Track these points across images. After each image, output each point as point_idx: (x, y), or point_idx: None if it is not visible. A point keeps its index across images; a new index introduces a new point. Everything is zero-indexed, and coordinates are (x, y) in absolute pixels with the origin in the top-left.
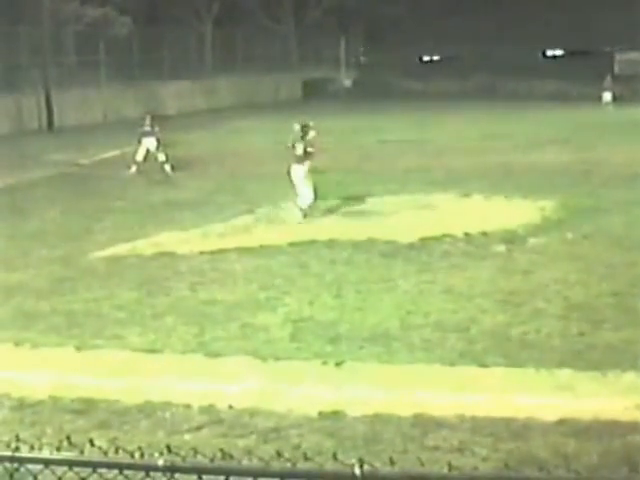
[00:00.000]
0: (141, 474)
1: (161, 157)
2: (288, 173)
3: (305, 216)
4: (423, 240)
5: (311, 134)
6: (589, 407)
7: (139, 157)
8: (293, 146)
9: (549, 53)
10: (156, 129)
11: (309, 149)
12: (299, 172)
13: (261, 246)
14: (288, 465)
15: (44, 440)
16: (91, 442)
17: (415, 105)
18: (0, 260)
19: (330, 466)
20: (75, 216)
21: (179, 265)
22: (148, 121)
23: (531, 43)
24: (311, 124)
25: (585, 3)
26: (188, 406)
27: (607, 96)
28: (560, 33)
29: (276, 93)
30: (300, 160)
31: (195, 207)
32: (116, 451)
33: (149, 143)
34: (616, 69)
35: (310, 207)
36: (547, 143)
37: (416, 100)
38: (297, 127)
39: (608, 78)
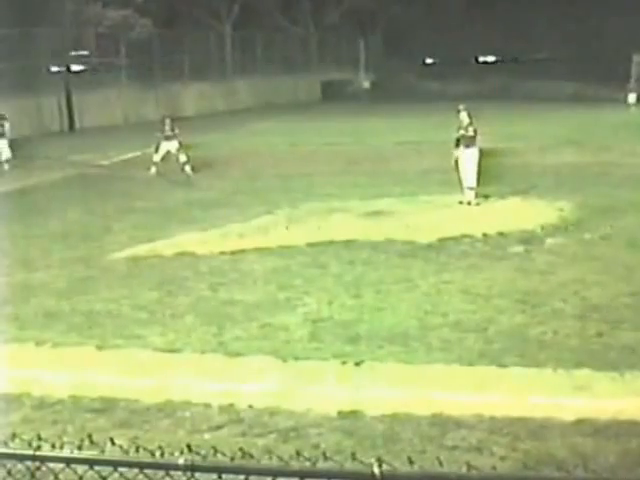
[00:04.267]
0: (161, 473)
1: (182, 158)
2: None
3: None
4: (441, 241)
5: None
6: (607, 407)
7: (157, 158)
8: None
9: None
10: (176, 131)
11: (462, 132)
12: (467, 155)
13: (280, 246)
14: (307, 464)
15: (65, 439)
16: (112, 441)
17: (433, 106)
18: (21, 260)
19: (349, 465)
20: (95, 217)
21: (199, 265)
22: (168, 125)
23: (546, 44)
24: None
25: (602, 5)
26: (208, 405)
27: (632, 97)
28: (575, 34)
29: (295, 94)
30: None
31: (215, 208)
32: (137, 450)
33: (170, 146)
34: (633, 70)
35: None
36: (564, 144)
37: (434, 101)
38: (463, 113)
39: (632, 79)
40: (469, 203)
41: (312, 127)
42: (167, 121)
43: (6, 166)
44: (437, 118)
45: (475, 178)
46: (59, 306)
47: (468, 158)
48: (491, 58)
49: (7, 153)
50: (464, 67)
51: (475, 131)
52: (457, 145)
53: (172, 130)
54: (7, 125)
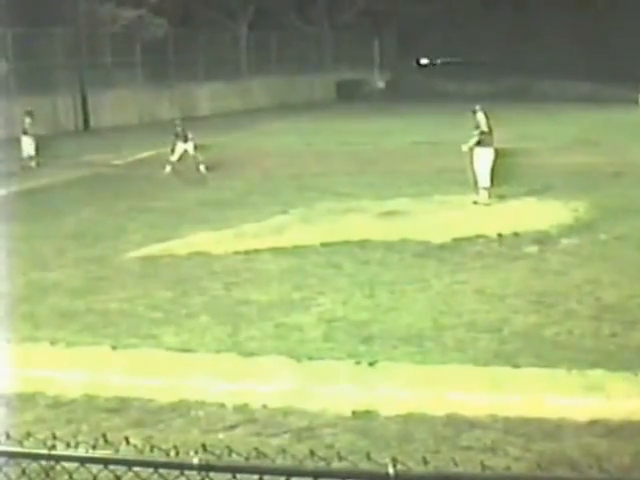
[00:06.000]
0: (176, 472)
1: (199, 156)
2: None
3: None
4: (456, 241)
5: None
6: (621, 408)
7: (174, 157)
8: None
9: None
10: (189, 136)
11: (482, 130)
12: (482, 154)
13: (295, 246)
14: (322, 464)
15: (79, 438)
16: (126, 440)
17: (448, 106)
18: (36, 259)
19: (364, 465)
20: (110, 216)
21: (213, 265)
22: (180, 130)
23: (563, 43)
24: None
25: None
26: (222, 405)
27: None
28: (589, 35)
29: (310, 94)
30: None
31: (229, 207)
32: (151, 449)
33: (187, 146)
34: None
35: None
36: (579, 144)
37: (449, 101)
38: (480, 113)
39: None
40: (475, 202)
41: (327, 127)
42: (179, 129)
43: (32, 163)
44: (452, 118)
45: (489, 178)
46: (73, 305)
47: (483, 158)
48: (425, 61)
49: (28, 150)
50: (478, 67)
51: (490, 129)
52: (478, 144)
53: (185, 135)
54: (27, 121)
